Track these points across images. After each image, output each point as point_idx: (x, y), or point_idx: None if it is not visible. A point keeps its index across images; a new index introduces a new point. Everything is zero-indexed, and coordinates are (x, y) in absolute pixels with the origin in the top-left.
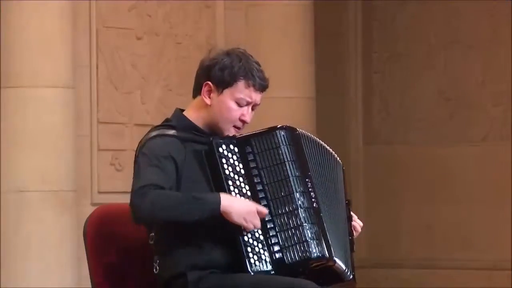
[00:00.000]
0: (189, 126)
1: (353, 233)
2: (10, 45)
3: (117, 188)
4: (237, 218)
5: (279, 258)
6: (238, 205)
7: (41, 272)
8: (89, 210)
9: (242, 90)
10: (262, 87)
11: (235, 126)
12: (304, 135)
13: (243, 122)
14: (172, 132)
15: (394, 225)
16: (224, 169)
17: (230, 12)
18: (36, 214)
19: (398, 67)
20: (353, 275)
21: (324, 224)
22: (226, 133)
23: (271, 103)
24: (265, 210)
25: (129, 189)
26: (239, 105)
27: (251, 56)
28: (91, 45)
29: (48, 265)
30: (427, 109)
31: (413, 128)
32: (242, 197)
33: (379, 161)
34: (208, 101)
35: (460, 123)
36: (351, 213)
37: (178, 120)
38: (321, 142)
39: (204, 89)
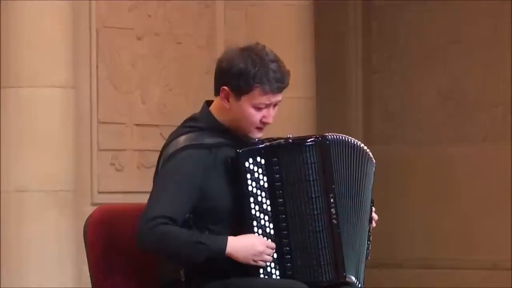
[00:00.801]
0: (218, 128)
1: (370, 238)
2: (10, 45)
3: (117, 188)
4: (244, 260)
5: (289, 275)
6: (244, 249)
7: (41, 272)
8: (89, 210)
9: (259, 97)
10: (280, 89)
11: (257, 128)
12: (335, 142)
13: (265, 123)
14: (200, 139)
15: (394, 225)
16: (247, 185)
17: (230, 12)
18: (36, 214)
19: (398, 67)
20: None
21: (341, 241)
22: (249, 135)
23: None
24: (273, 245)
25: (129, 189)
26: (259, 109)
27: (268, 53)
28: (91, 45)
29: (48, 265)
30: (427, 109)
31: (413, 128)
32: (262, 214)
33: (379, 161)
34: (227, 105)
35: (460, 123)
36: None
37: (207, 121)
38: (353, 141)
39: (222, 94)
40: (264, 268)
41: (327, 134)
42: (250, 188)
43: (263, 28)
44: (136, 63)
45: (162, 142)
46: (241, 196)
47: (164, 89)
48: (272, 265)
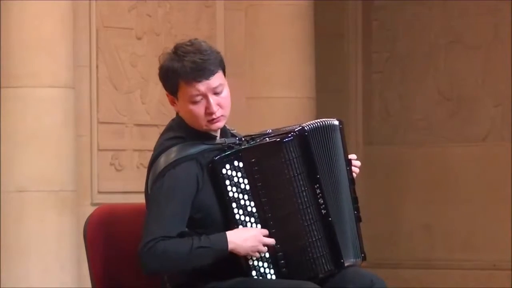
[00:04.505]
0: (195, 134)
1: (357, 200)
2: (10, 45)
3: (117, 188)
4: (245, 253)
5: (284, 273)
6: (243, 242)
7: (41, 272)
8: (89, 210)
9: (187, 90)
10: (203, 75)
11: (209, 121)
12: (313, 131)
13: (212, 114)
14: (186, 150)
15: (394, 225)
16: (227, 191)
17: (230, 12)
18: (36, 214)
19: (398, 67)
20: (363, 256)
21: (334, 228)
22: (207, 130)
23: (271, 103)
24: (267, 232)
25: (129, 189)
26: (196, 102)
27: (189, 44)
28: (91, 45)
29: (48, 265)
30: (427, 109)
31: (413, 128)
32: (247, 217)
33: (379, 161)
34: (176, 108)
35: (460, 123)
36: (349, 158)
37: (183, 129)
38: (325, 123)
39: (169, 100)
40: (257, 268)
41: (304, 124)
42: (231, 194)
43: (263, 28)
44: (136, 63)
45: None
46: (224, 203)
47: (164, 89)
48: (266, 264)
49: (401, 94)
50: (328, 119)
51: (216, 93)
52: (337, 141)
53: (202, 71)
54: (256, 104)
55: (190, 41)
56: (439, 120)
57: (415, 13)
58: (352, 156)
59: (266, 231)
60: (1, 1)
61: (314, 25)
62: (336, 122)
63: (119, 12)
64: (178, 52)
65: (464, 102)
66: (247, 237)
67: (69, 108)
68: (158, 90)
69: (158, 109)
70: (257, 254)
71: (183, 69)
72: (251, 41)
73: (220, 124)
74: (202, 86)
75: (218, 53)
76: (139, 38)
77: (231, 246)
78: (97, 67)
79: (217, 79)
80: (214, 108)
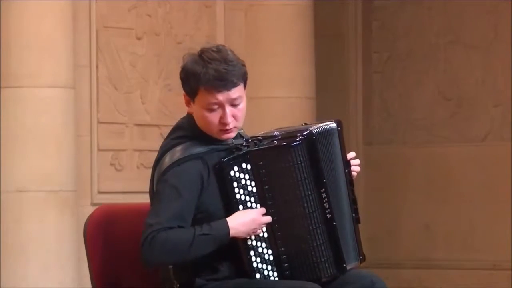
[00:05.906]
0: (203, 134)
1: (356, 201)
2: (10, 45)
3: (117, 188)
4: (246, 236)
5: (287, 275)
6: (244, 225)
7: (41, 272)
8: (89, 210)
9: (206, 97)
10: (224, 86)
11: (221, 130)
12: (319, 136)
13: (225, 124)
14: (192, 149)
15: (394, 225)
16: (235, 193)
17: (230, 12)
18: (36, 214)
19: (398, 67)
20: (362, 258)
21: (338, 232)
22: (217, 137)
23: (271, 103)
24: (264, 210)
25: (129, 189)
26: (212, 110)
27: (215, 50)
28: (91, 45)
29: (48, 265)
30: (427, 109)
31: (413, 128)
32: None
33: (379, 161)
34: (190, 110)
35: (460, 123)
36: (348, 159)
37: (192, 128)
38: (328, 126)
39: (184, 100)
40: (261, 271)
41: (311, 128)
42: (238, 196)
43: (263, 28)
44: (136, 63)
45: (162, 142)
46: (230, 204)
47: (164, 89)
48: (269, 267)
49: (401, 94)
50: (326, 121)
51: (233, 105)
52: (335, 143)
53: (224, 82)
54: (256, 104)
55: (217, 47)
56: (439, 120)
57: (415, 13)
58: (350, 155)
59: (263, 210)
60: (1, 1)
61: (314, 25)
62: (334, 125)
63: (119, 12)
64: (204, 56)
65: (464, 102)
66: (247, 221)
67: (69, 108)
68: (158, 90)
69: (158, 109)
70: (258, 232)
71: (205, 75)
72: (251, 41)
73: (231, 135)
74: (221, 96)
75: (243, 65)
76: (139, 38)
77: (232, 231)
78: (97, 67)
79: (237, 91)
80: (229, 119)
